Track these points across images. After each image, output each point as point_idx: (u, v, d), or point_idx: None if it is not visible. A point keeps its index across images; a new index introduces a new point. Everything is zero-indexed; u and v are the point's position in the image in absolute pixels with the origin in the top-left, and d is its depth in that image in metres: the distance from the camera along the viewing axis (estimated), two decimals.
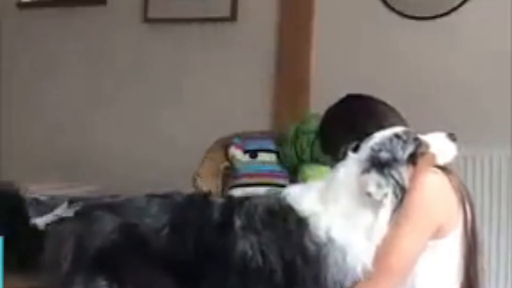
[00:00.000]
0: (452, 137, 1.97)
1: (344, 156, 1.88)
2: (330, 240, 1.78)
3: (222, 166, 3.40)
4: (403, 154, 1.83)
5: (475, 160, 3.44)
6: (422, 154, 1.88)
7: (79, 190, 3.57)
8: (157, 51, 4.20)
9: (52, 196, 3.27)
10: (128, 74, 4.28)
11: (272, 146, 3.40)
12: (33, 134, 4.43)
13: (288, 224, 1.82)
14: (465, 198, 1.97)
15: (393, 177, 1.79)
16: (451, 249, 1.92)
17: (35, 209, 3.09)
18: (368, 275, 1.78)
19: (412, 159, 1.85)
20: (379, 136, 1.87)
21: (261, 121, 3.83)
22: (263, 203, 1.89)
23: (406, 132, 1.90)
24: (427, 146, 1.90)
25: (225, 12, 4.02)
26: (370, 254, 1.79)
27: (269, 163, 3.33)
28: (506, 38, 3.48)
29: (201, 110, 4.07)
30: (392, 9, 3.70)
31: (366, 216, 1.80)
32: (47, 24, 4.48)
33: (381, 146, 1.84)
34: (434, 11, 3.62)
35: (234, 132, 3.48)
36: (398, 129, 1.92)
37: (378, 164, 1.79)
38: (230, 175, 3.39)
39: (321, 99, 3.74)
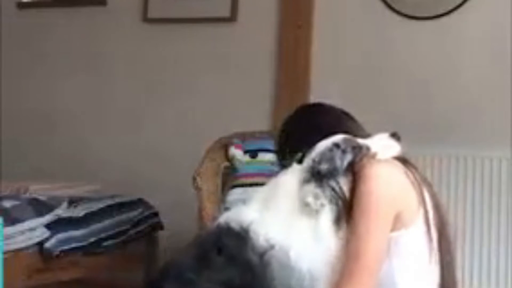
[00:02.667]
0: (395, 136, 2.00)
1: (289, 164, 1.95)
2: (271, 245, 1.82)
3: (222, 166, 3.40)
4: (342, 163, 1.89)
5: (475, 160, 3.44)
6: (362, 159, 1.92)
7: (79, 190, 3.56)
8: (157, 51, 4.20)
9: (52, 196, 3.29)
10: (128, 74, 4.28)
11: (272, 146, 3.40)
12: (33, 134, 4.43)
13: (230, 245, 1.85)
14: (425, 192, 1.97)
15: (331, 187, 1.86)
16: (414, 244, 1.93)
17: (35, 209, 3.10)
18: (320, 274, 1.81)
19: (351, 167, 1.90)
20: (320, 147, 1.93)
21: (261, 121, 3.83)
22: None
23: (345, 141, 1.94)
24: (367, 149, 1.95)
25: (225, 12, 4.02)
26: (316, 254, 1.83)
27: (269, 163, 3.33)
28: (506, 38, 3.48)
29: (201, 110, 4.07)
30: (392, 9, 3.70)
31: (306, 221, 1.85)
32: (47, 24, 4.48)
33: (321, 156, 1.89)
34: (434, 11, 3.62)
35: (234, 132, 3.48)
36: (338, 138, 1.95)
37: (318, 175, 1.86)
38: (230, 175, 3.39)
39: (321, 99, 3.74)
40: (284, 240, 1.83)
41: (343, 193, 1.87)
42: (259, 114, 3.89)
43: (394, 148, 1.99)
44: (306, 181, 1.87)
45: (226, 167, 3.41)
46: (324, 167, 1.87)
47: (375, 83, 3.74)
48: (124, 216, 3.47)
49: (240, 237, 1.85)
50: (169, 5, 4.16)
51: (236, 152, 3.37)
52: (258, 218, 1.87)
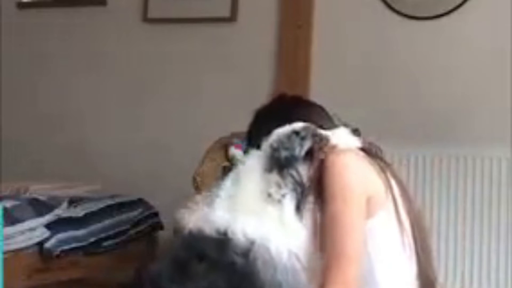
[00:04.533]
0: (356, 132, 2.01)
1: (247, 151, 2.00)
2: (251, 242, 1.81)
3: (222, 166, 3.40)
4: (301, 150, 1.90)
5: (475, 160, 3.44)
6: (321, 148, 1.93)
7: (79, 190, 3.56)
8: (157, 51, 4.20)
9: (52, 196, 3.29)
10: (128, 74, 4.28)
11: None
12: (33, 133, 4.43)
13: (210, 250, 1.83)
14: (391, 180, 1.99)
15: (292, 176, 1.87)
16: (386, 229, 1.95)
17: (35, 209, 3.10)
18: (296, 261, 1.82)
19: (310, 154, 1.91)
20: (278, 133, 1.94)
21: None
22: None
23: (305, 128, 1.95)
24: (327, 139, 1.96)
25: (225, 12, 4.02)
26: (290, 244, 1.83)
27: None
28: (506, 37, 3.48)
29: (201, 110, 4.07)
30: (392, 9, 3.70)
31: (273, 211, 1.86)
32: (47, 24, 4.48)
33: (280, 144, 1.91)
34: (434, 11, 3.62)
35: (234, 132, 3.48)
36: (298, 125, 1.96)
37: (278, 164, 1.88)
38: None
39: (321, 99, 3.74)
40: (261, 234, 1.83)
41: (302, 180, 1.88)
42: None
43: (353, 144, 2.00)
44: (267, 170, 1.88)
45: (226, 167, 3.41)
46: (283, 154, 1.88)
47: (375, 83, 3.74)
48: (124, 216, 3.47)
49: (219, 241, 1.83)
50: (169, 5, 4.16)
51: (236, 152, 3.37)
52: (230, 218, 1.86)
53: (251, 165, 1.93)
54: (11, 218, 2.91)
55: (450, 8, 3.59)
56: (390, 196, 1.96)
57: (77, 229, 3.19)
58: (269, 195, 1.86)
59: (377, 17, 3.74)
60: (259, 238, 1.82)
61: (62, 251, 3.07)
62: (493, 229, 3.40)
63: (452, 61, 3.60)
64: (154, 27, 4.23)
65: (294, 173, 1.88)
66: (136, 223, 3.53)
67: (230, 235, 1.83)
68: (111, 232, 3.36)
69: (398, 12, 3.69)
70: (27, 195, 3.26)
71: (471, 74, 3.56)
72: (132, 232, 3.49)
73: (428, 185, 3.51)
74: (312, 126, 1.98)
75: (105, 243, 3.32)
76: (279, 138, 1.93)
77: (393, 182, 2.00)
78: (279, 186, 1.86)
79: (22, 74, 4.53)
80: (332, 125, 2.09)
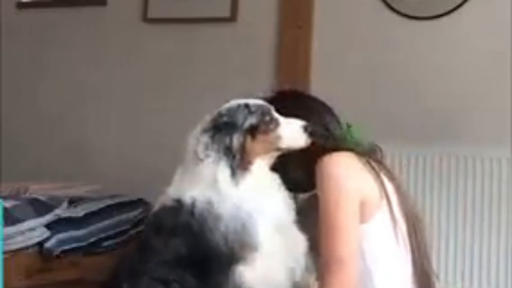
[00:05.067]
0: (306, 129, 2.03)
1: None
2: (194, 200, 1.93)
3: None
4: (244, 122, 1.98)
5: (475, 160, 3.44)
6: (266, 131, 1.99)
7: (79, 190, 3.56)
8: (157, 51, 4.20)
9: (52, 196, 3.29)
10: (128, 74, 4.28)
11: None
12: (33, 133, 4.43)
13: (166, 221, 1.97)
14: (384, 179, 2.01)
15: (223, 141, 1.95)
16: (382, 229, 1.96)
17: (35, 209, 3.10)
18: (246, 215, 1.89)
19: (252, 130, 1.98)
20: (231, 102, 2.04)
21: None
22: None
23: (259, 106, 2.02)
24: (276, 125, 2.00)
25: (225, 12, 4.02)
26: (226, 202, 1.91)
27: None
28: (506, 38, 3.48)
29: (201, 110, 4.06)
30: (392, 9, 3.70)
31: (208, 173, 1.95)
32: (47, 24, 4.48)
33: (227, 111, 2.01)
34: (434, 11, 3.62)
35: None
36: (254, 101, 2.04)
37: (214, 128, 1.98)
38: None
39: (321, 98, 3.75)
40: (201, 192, 1.93)
41: (231, 147, 1.94)
42: None
43: (299, 141, 2.02)
44: (203, 131, 2.00)
45: None
46: (224, 120, 1.99)
47: (375, 83, 3.74)
48: (124, 216, 3.47)
49: (175, 208, 1.95)
50: (169, 5, 4.16)
51: None
52: (179, 183, 2.00)
53: (196, 130, 2.04)
54: (11, 218, 2.90)
55: (450, 8, 3.59)
56: (384, 195, 1.96)
57: (77, 229, 3.19)
58: (195, 153, 1.96)
59: (377, 17, 3.74)
60: (200, 195, 1.92)
61: (62, 251, 3.07)
62: (493, 229, 3.40)
63: (452, 61, 3.60)
64: (154, 27, 4.23)
65: (226, 139, 1.95)
66: (136, 223, 3.53)
67: (182, 201, 1.95)
68: (111, 232, 3.36)
69: (398, 12, 3.69)
70: (27, 195, 3.26)
71: (471, 74, 3.56)
72: (132, 232, 3.48)
73: (428, 185, 3.51)
74: (268, 106, 2.03)
75: (105, 243, 3.32)
76: (229, 106, 2.03)
77: (386, 180, 2.01)
78: (206, 147, 1.95)
79: (22, 74, 4.53)
80: (336, 126, 2.09)
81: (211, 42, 4.08)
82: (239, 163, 1.94)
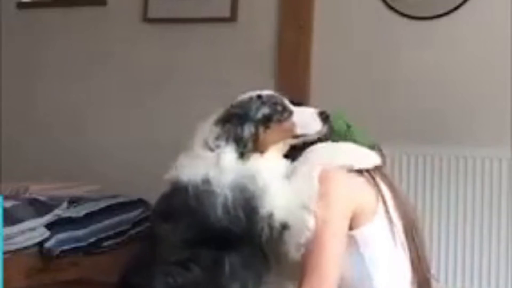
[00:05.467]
0: (322, 115, 2.03)
1: None
2: (193, 181, 1.95)
3: None
4: (256, 113, 2.00)
5: (475, 160, 3.44)
6: (280, 120, 2.00)
7: (79, 190, 3.56)
8: (157, 51, 4.20)
9: (52, 196, 3.29)
10: (128, 74, 4.28)
11: None
12: (33, 133, 4.43)
13: (175, 205, 1.98)
14: (381, 184, 2.02)
15: (234, 132, 1.96)
16: (379, 232, 1.97)
17: (35, 209, 3.10)
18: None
19: (265, 120, 1.99)
20: (245, 95, 2.05)
21: None
22: None
23: (271, 96, 2.04)
24: (289, 114, 2.01)
25: (225, 12, 4.02)
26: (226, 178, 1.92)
27: None
28: (506, 38, 3.48)
29: (201, 110, 4.05)
30: (392, 9, 3.70)
31: (211, 156, 1.97)
32: (47, 24, 4.48)
33: (239, 103, 2.03)
34: (434, 11, 3.62)
35: None
36: (266, 92, 2.06)
37: (226, 119, 2.00)
38: None
39: (321, 99, 3.75)
40: (199, 171, 1.95)
41: (243, 136, 1.96)
42: None
43: (315, 127, 2.02)
44: (215, 123, 2.02)
45: None
46: (235, 111, 2.00)
47: (375, 83, 3.74)
48: (124, 216, 3.47)
49: (174, 191, 1.99)
50: (169, 5, 4.15)
51: None
52: (179, 167, 2.02)
53: (209, 119, 2.05)
54: (11, 218, 2.91)
55: (450, 8, 3.59)
56: (380, 200, 1.97)
57: (77, 229, 3.19)
58: (206, 142, 1.98)
59: (377, 17, 3.74)
60: (197, 174, 1.94)
61: (62, 251, 3.07)
62: (493, 229, 3.40)
63: (452, 61, 3.60)
64: (154, 27, 4.23)
65: (238, 129, 1.96)
66: (136, 223, 3.53)
67: (180, 182, 1.97)
68: (111, 232, 3.36)
69: (398, 12, 3.69)
70: (27, 195, 3.26)
71: (471, 74, 3.56)
72: (132, 232, 3.49)
73: (428, 185, 3.51)
74: (280, 97, 2.04)
75: (105, 243, 3.32)
76: (241, 98, 2.04)
77: (382, 185, 2.01)
78: (217, 138, 1.97)
79: (22, 74, 4.52)
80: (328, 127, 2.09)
81: (211, 42, 4.08)
82: (250, 151, 1.95)
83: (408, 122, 3.61)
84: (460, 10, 3.58)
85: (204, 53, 4.09)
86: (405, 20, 3.68)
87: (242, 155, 1.94)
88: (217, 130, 1.99)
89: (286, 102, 2.04)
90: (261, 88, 4.07)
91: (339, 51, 3.82)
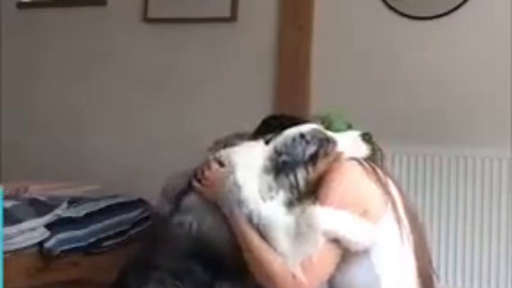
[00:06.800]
0: (365, 137, 2.03)
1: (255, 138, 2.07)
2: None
3: None
4: (303, 155, 1.94)
5: (475, 160, 3.44)
6: (326, 153, 1.96)
7: (79, 190, 3.56)
8: (157, 51, 4.20)
9: (52, 196, 3.28)
10: (128, 74, 4.28)
11: None
12: (33, 133, 4.43)
13: None
14: (390, 185, 2.01)
15: (288, 181, 1.92)
16: (387, 233, 1.96)
17: (35, 209, 3.10)
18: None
19: (313, 159, 1.94)
20: (286, 134, 1.98)
21: None
22: None
23: (312, 132, 1.98)
24: (334, 144, 1.98)
25: (225, 12, 4.02)
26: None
27: None
28: (506, 38, 3.48)
29: (201, 110, 4.07)
30: (392, 9, 3.70)
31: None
32: (47, 24, 4.48)
33: (283, 147, 1.95)
34: (434, 11, 3.62)
35: (234, 132, 3.48)
36: (306, 127, 1.99)
37: (276, 168, 1.93)
38: None
39: (321, 99, 3.76)
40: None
41: (297, 185, 1.92)
42: (259, 114, 3.88)
43: (362, 151, 2.02)
44: (265, 171, 1.93)
45: None
46: (283, 159, 1.93)
47: (375, 83, 3.74)
48: (124, 216, 3.46)
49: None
50: (169, 5, 4.16)
51: None
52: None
53: (255, 155, 1.98)
54: (11, 218, 2.90)
55: (450, 8, 3.59)
56: (389, 201, 1.97)
57: (77, 229, 3.18)
58: (259, 192, 1.92)
59: (377, 17, 3.74)
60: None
61: (62, 251, 3.07)
62: (493, 229, 3.40)
63: (452, 61, 3.60)
64: (154, 27, 4.23)
65: (291, 178, 1.92)
66: (136, 223, 3.53)
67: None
68: (111, 232, 3.35)
69: (398, 12, 3.69)
70: (27, 195, 3.26)
71: (471, 74, 3.56)
72: (132, 232, 3.48)
73: (428, 185, 3.51)
74: (321, 129, 2.00)
75: (105, 243, 3.32)
76: (285, 141, 1.96)
77: (390, 183, 2.01)
78: (270, 189, 1.91)
79: (22, 74, 4.53)
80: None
81: (211, 42, 4.08)
82: (300, 197, 1.93)
83: (408, 122, 3.61)
84: (460, 10, 3.58)
85: (204, 53, 4.09)
86: (405, 20, 3.69)
87: (291, 203, 1.92)
88: (268, 180, 1.93)
89: (327, 132, 2.00)
90: (261, 88, 4.09)
91: (339, 51, 3.82)
